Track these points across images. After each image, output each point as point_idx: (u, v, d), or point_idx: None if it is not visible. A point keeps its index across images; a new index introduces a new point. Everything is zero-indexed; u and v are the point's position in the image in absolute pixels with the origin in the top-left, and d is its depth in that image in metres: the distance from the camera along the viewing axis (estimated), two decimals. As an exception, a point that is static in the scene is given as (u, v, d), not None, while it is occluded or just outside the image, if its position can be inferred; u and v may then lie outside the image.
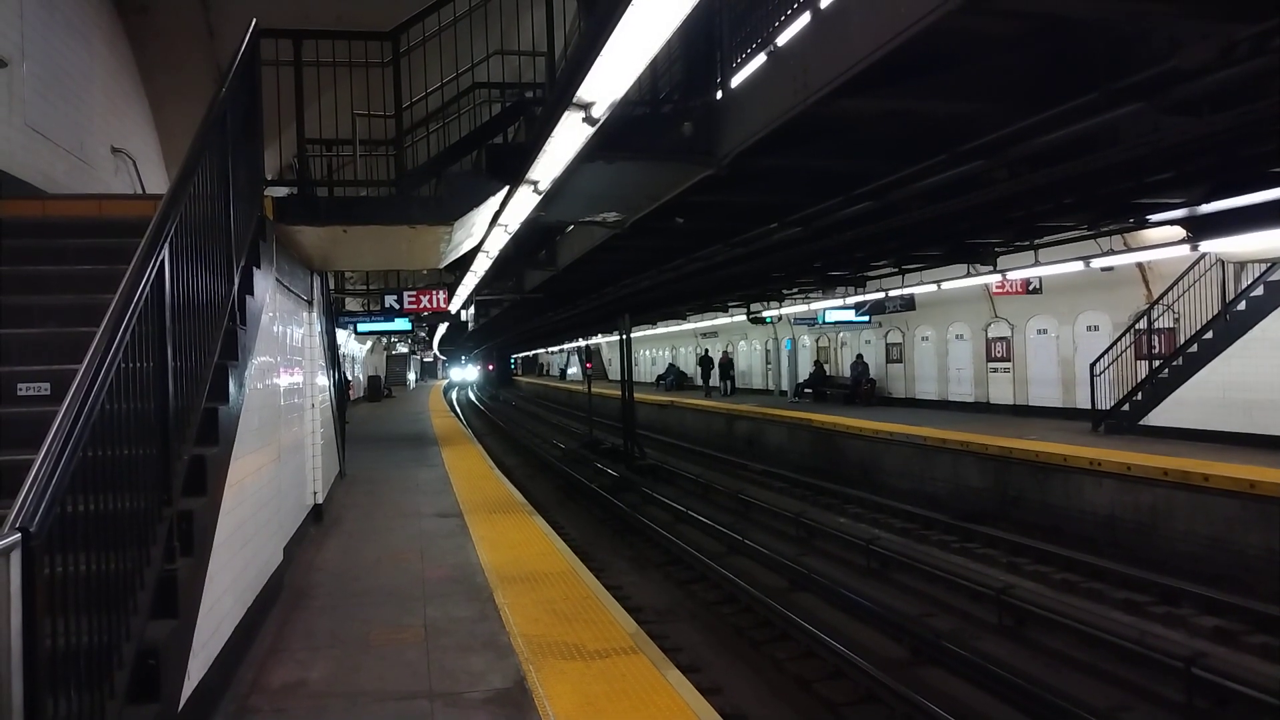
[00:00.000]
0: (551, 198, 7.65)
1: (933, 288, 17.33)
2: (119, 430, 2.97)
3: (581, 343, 43.91)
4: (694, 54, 7.61)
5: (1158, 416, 13.67)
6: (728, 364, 32.57)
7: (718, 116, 7.35)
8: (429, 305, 17.88)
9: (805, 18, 5.90)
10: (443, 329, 35.20)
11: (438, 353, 67.90)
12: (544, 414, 45.22)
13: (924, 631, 8.39)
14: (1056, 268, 13.75)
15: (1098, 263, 13.02)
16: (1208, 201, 9.02)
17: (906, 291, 19.19)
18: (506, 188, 7.32)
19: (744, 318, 26.39)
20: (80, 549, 2.62)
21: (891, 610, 9.15)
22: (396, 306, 18.08)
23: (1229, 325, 12.69)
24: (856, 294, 21.04)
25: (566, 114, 4.95)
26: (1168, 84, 5.51)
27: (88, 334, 3.04)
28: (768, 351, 31.57)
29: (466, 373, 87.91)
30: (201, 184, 4.24)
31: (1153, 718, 6.83)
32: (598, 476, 19.84)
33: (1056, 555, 10.68)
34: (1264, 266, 12.66)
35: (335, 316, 14.22)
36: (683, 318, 31.47)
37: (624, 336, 22.84)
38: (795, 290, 21.63)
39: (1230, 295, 13.10)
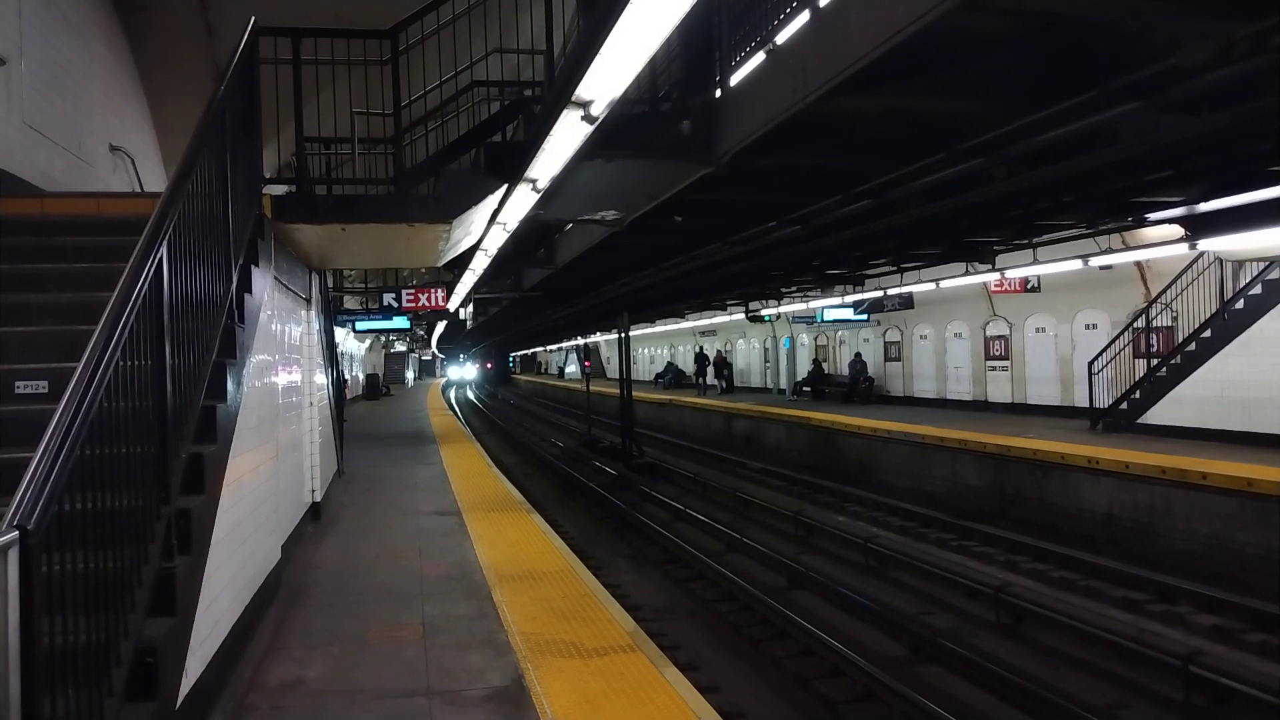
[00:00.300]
0: (550, 196, 7.65)
1: (931, 286, 17.33)
2: (117, 428, 2.97)
3: (580, 341, 43.93)
4: (693, 52, 7.60)
5: (1156, 415, 13.68)
6: (721, 362, 32.61)
7: (716, 115, 7.35)
8: (427, 303, 17.89)
9: (804, 16, 5.90)
10: (441, 327, 35.19)
11: (436, 351, 67.88)
12: (542, 412, 45.23)
13: (922, 629, 8.39)
14: (1055, 266, 13.75)
15: (1096, 261, 13.02)
16: (1206, 200, 9.02)
17: (905, 290, 19.20)
18: (505, 186, 7.31)
19: (743, 316, 26.40)
20: (78, 547, 2.62)
21: (890, 608, 9.15)
22: (395, 305, 18.08)
23: (1227, 324, 12.70)
24: (855, 292, 21.05)
25: (565, 112, 4.94)
26: (1166, 82, 5.51)
27: (86, 332, 3.03)
28: (766, 350, 31.57)
29: (465, 371, 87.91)
30: (200, 182, 4.24)
31: (1151, 715, 6.84)
32: (596, 475, 19.84)
33: (1054, 553, 10.70)
34: (1262, 265, 12.67)
35: (334, 314, 14.20)
36: (681, 316, 31.48)
37: (622, 335, 22.84)
38: (794, 289, 21.64)
39: (1228, 294, 13.11)
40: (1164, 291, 14.29)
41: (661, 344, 45.13)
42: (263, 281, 5.91)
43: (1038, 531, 11.96)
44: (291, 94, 6.61)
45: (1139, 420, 13.94)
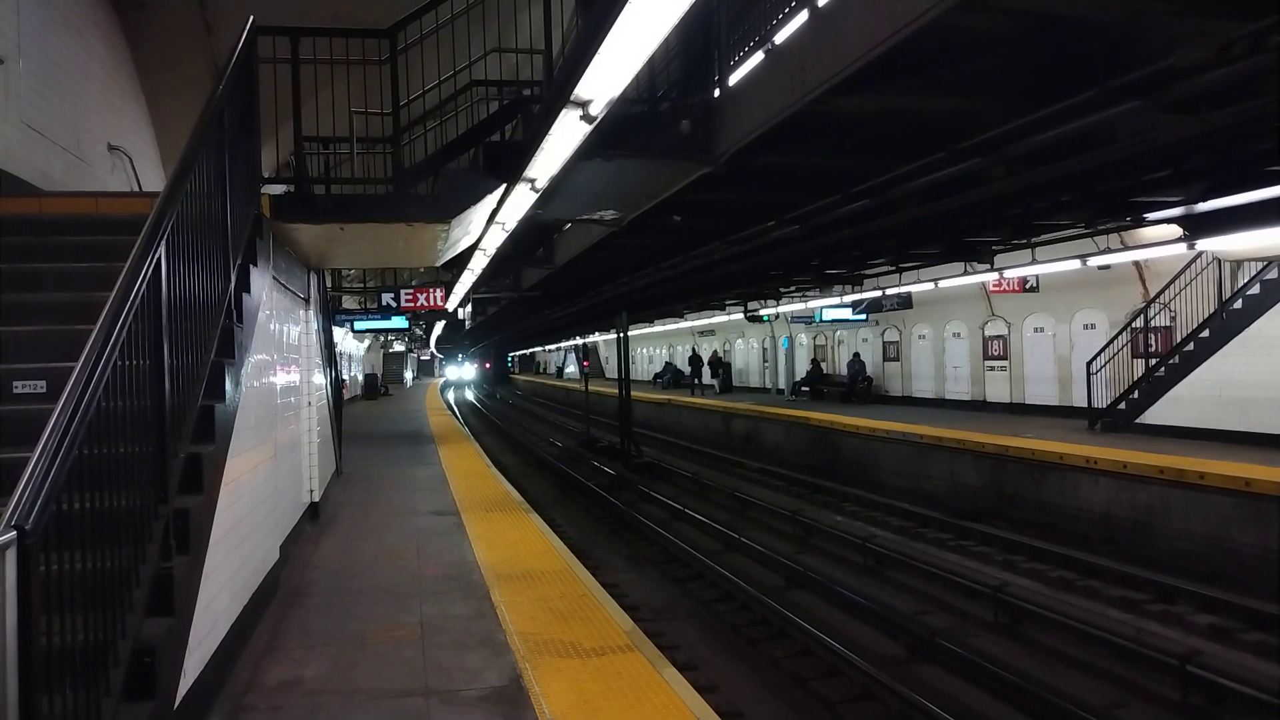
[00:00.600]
0: (549, 195, 7.66)
1: (930, 286, 17.35)
2: (115, 428, 2.96)
3: (579, 341, 43.92)
4: (692, 52, 7.61)
5: (1154, 415, 13.69)
6: (716, 362, 32.61)
7: (715, 114, 7.35)
8: (426, 303, 17.87)
9: (803, 15, 5.90)
10: (440, 327, 35.21)
11: (435, 351, 67.87)
12: (541, 412, 45.23)
13: (920, 629, 8.40)
14: (1053, 266, 13.77)
15: (1094, 261, 13.04)
16: (1204, 200, 9.03)
17: (904, 290, 19.21)
18: (504, 185, 7.31)
19: (741, 316, 26.41)
20: (76, 547, 2.62)
21: (888, 608, 9.16)
22: (393, 304, 18.07)
23: (1225, 323, 12.71)
24: (853, 292, 21.07)
25: (564, 111, 4.94)
26: (1165, 82, 5.51)
27: (84, 332, 3.03)
28: (765, 350, 31.59)
29: (464, 371, 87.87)
30: (198, 181, 4.23)
31: (1148, 715, 6.84)
32: (594, 474, 19.84)
33: (1052, 553, 10.70)
34: (1260, 265, 12.69)
35: (332, 314, 14.19)
36: (680, 316, 31.48)
37: (621, 335, 22.84)
38: (793, 288, 21.64)
39: (1227, 293, 13.13)
40: (1162, 291, 14.30)
41: (660, 344, 45.14)
42: (261, 281, 5.90)
43: (1035, 531, 11.96)
44: (290, 93, 6.60)
45: (1137, 420, 13.95)
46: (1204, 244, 11.25)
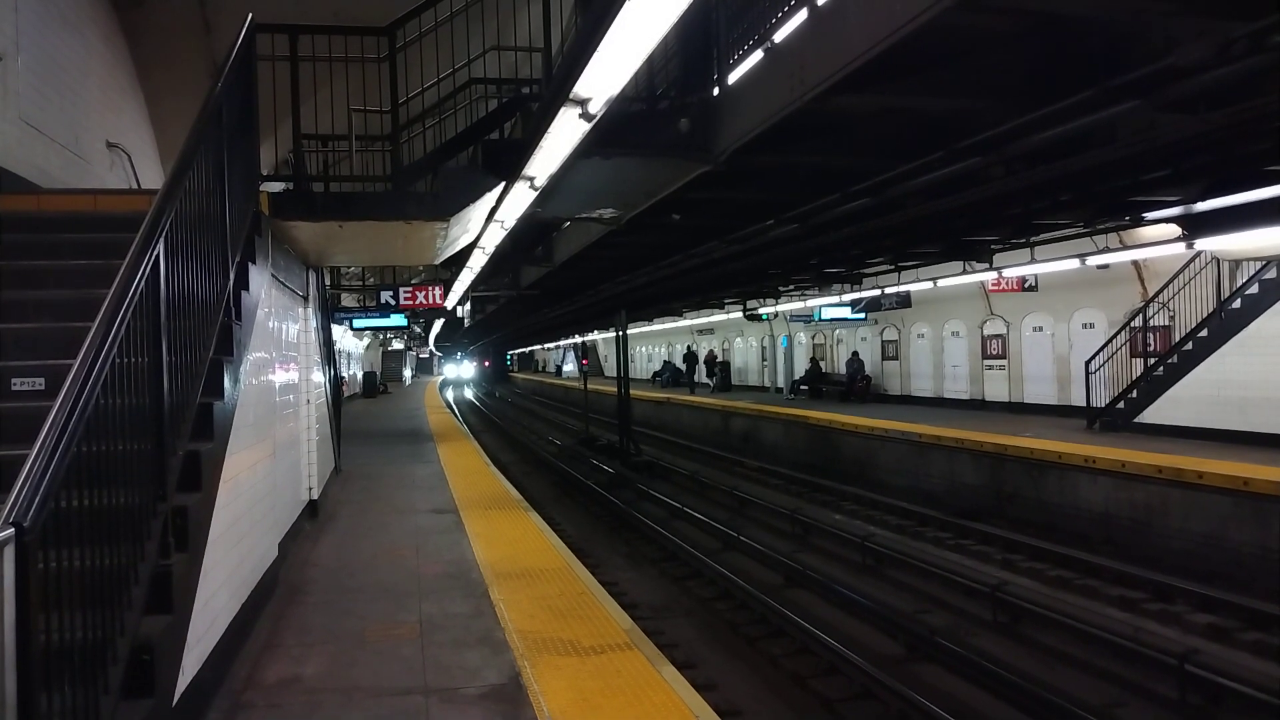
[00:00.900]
0: (548, 194, 7.66)
1: (929, 285, 17.35)
2: (113, 425, 2.96)
3: (578, 339, 43.92)
4: (691, 50, 7.61)
5: (1152, 414, 13.69)
6: (712, 360, 32.59)
7: (714, 113, 7.35)
8: (425, 301, 17.85)
9: (802, 14, 5.90)
10: (439, 325, 35.20)
11: (434, 349, 67.85)
12: (540, 410, 45.22)
13: (919, 628, 8.40)
14: (1052, 265, 13.77)
15: (1093, 260, 13.04)
16: (1204, 199, 9.04)
17: (903, 289, 19.21)
18: (503, 183, 7.31)
19: (740, 314, 26.40)
20: (74, 544, 2.61)
21: (887, 607, 9.16)
22: (392, 302, 18.05)
23: (1224, 323, 12.72)
24: (853, 291, 21.06)
25: (563, 110, 4.94)
26: (1164, 81, 5.52)
27: (82, 329, 3.03)
28: (764, 348, 31.59)
29: (462, 369, 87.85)
30: (197, 179, 4.23)
31: (1147, 714, 6.85)
32: (594, 473, 19.85)
33: (1051, 552, 10.71)
34: (1259, 264, 12.69)
35: (331, 312, 14.18)
36: (679, 314, 31.48)
37: (620, 333, 22.84)
38: (792, 287, 21.65)
39: (1225, 293, 13.13)
40: (1161, 291, 14.31)
41: (659, 342, 45.14)
42: (260, 278, 5.90)
43: (1034, 530, 11.97)
44: (289, 91, 6.60)
45: (1136, 419, 13.95)
46: (1203, 243, 11.25)
